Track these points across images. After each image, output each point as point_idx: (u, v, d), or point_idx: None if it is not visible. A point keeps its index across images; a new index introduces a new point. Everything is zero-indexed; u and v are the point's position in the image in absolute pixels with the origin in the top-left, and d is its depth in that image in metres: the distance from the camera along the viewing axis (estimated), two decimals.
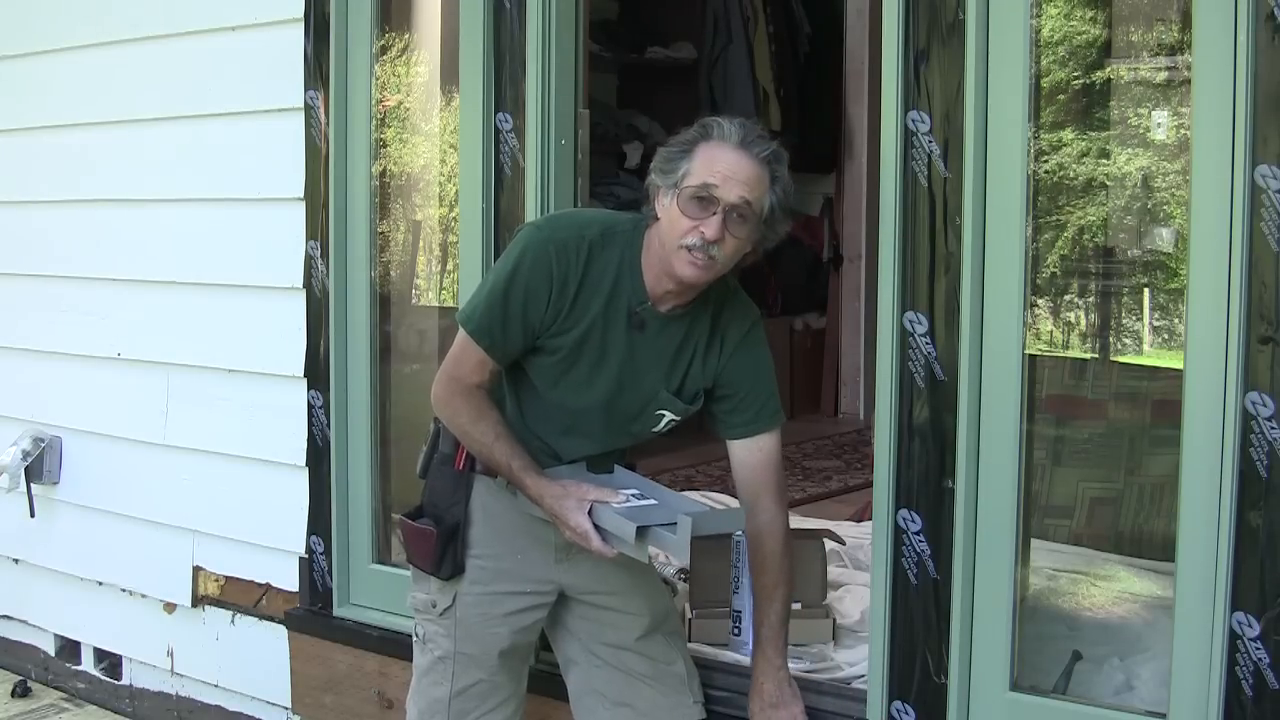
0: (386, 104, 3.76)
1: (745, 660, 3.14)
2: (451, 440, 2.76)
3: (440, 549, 2.75)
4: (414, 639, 2.90)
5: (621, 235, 2.62)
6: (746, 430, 2.74)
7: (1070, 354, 3.21)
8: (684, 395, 2.70)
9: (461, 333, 2.67)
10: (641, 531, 2.48)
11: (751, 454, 2.74)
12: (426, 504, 2.83)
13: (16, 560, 4.72)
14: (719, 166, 2.48)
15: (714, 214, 2.48)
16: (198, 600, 4.18)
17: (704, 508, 2.68)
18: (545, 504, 2.59)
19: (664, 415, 2.72)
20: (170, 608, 4.27)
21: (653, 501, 2.59)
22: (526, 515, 2.71)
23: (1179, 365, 2.54)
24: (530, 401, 2.72)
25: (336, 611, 3.76)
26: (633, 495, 2.60)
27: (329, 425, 3.75)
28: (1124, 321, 3.24)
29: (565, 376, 2.66)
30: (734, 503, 4.70)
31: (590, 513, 2.54)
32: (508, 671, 2.84)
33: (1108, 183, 2.94)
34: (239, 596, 4.08)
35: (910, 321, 2.78)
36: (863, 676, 2.99)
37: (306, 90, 3.73)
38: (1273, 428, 2.40)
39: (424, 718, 2.85)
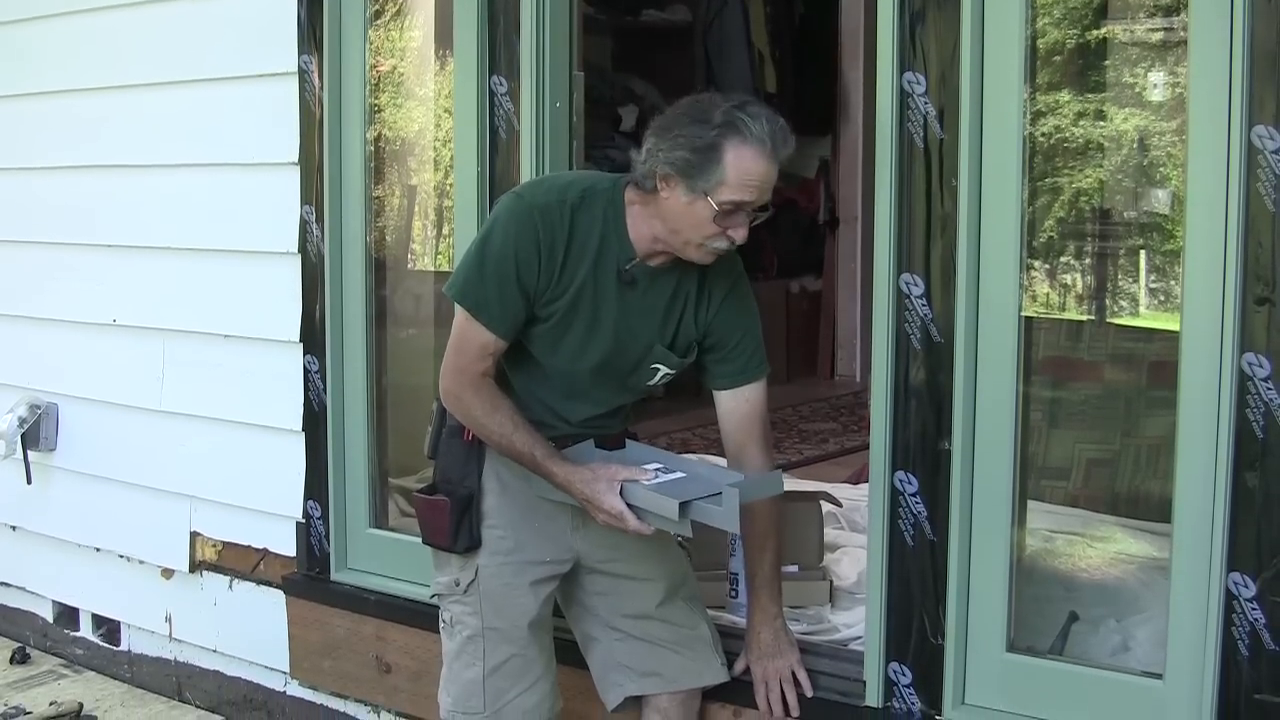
0: (381, 68, 3.74)
1: (743, 621, 3.15)
2: None
3: (455, 521, 2.72)
4: (441, 627, 2.85)
5: (601, 195, 2.63)
6: (734, 381, 2.77)
7: (1066, 316, 3.21)
8: (677, 348, 2.72)
9: (460, 315, 2.64)
10: (684, 507, 2.49)
11: (739, 404, 2.77)
12: (439, 480, 2.79)
13: (14, 527, 4.72)
14: (752, 179, 2.48)
15: (742, 219, 2.52)
16: (195, 566, 4.19)
17: (736, 475, 2.67)
18: (575, 489, 2.58)
19: (659, 369, 2.73)
20: (168, 573, 4.27)
21: (679, 474, 2.61)
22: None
23: (1175, 327, 2.53)
24: (529, 369, 2.71)
25: (334, 576, 3.77)
26: (658, 469, 2.62)
27: (325, 390, 3.75)
28: (1120, 283, 3.23)
29: (562, 342, 2.66)
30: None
31: (621, 492, 2.54)
32: (538, 646, 2.81)
33: (1104, 144, 2.93)
34: (236, 562, 4.08)
35: (906, 283, 2.77)
36: (860, 638, 3.00)
37: (300, 55, 3.71)
38: (1269, 389, 2.40)
39: (459, 704, 2.80)
